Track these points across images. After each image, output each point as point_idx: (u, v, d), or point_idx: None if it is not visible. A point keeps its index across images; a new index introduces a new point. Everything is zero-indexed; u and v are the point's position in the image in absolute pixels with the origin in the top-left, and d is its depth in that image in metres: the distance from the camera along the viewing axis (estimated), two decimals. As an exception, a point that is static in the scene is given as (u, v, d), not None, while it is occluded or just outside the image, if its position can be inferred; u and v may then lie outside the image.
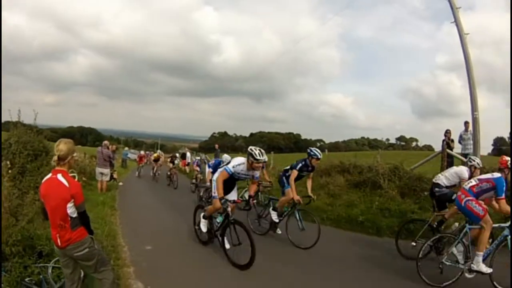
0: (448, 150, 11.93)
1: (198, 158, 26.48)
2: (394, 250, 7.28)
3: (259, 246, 6.18)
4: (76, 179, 3.98)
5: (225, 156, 13.18)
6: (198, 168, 18.09)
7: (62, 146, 3.84)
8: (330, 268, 6.54)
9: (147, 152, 40.84)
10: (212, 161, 13.32)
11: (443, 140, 12.70)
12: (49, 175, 3.88)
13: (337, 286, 5.79)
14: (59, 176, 3.79)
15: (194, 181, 16.98)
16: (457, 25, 10.55)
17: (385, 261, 6.96)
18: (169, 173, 20.21)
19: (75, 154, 4.02)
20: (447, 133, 12.89)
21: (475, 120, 10.42)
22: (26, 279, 4.47)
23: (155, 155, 26.47)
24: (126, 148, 44.98)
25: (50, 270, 4.66)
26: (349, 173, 12.58)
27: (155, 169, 23.33)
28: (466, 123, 12.23)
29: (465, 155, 11.98)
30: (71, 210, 3.78)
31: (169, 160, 23.60)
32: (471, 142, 11.75)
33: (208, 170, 11.75)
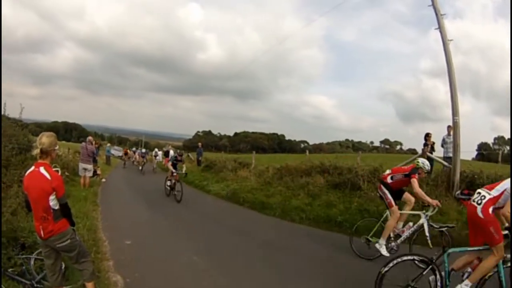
0: (429, 154, 12.15)
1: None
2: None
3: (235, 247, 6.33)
4: (59, 174, 4.07)
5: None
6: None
7: (44, 139, 3.92)
8: (302, 265, 6.65)
9: (133, 149, 43.35)
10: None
11: (424, 144, 12.93)
12: (32, 168, 3.96)
13: (305, 282, 5.89)
14: (41, 169, 3.87)
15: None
16: (440, 32, 10.70)
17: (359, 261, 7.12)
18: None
19: (56, 148, 4.09)
20: (428, 136, 13.13)
21: (455, 124, 10.59)
22: (9, 270, 4.57)
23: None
24: (109, 145, 44.66)
25: (32, 262, 4.78)
26: (329, 174, 12.71)
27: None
28: (449, 127, 12.39)
29: (448, 159, 12.22)
30: (53, 202, 3.87)
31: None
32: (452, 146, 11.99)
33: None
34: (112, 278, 5.45)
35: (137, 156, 34.25)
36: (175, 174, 14.12)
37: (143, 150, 34.92)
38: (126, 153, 37.96)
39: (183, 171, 14.86)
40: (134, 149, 44.66)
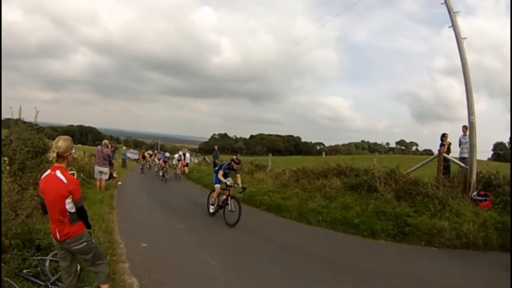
0: (445, 154, 11.96)
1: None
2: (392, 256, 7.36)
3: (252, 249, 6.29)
4: (75, 177, 4.06)
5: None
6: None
7: (61, 143, 3.91)
8: (318, 268, 6.60)
9: (149, 152, 42.10)
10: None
11: (440, 144, 12.74)
12: (48, 171, 3.96)
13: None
14: (58, 173, 3.86)
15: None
16: (454, 30, 10.53)
17: (378, 264, 7.03)
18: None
19: (73, 151, 4.08)
20: (444, 136, 12.94)
21: (471, 124, 10.40)
22: (24, 271, 4.57)
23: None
24: (124, 148, 44.86)
25: (47, 263, 4.77)
26: (345, 176, 12.59)
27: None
28: (464, 127, 12.26)
29: (463, 159, 12.04)
30: (69, 205, 3.86)
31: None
32: (468, 146, 11.79)
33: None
34: (128, 280, 5.45)
35: (157, 160, 29.53)
36: (230, 185, 10.58)
37: (167, 154, 27.33)
38: (143, 157, 34.76)
39: (240, 184, 10.69)
40: (150, 151, 43.62)
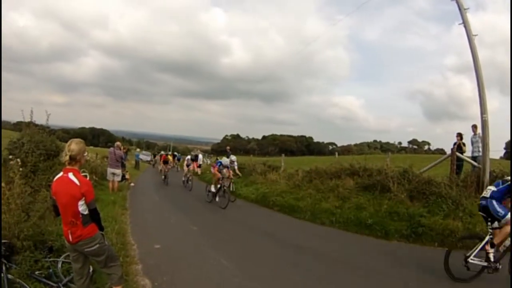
0: (458, 154, 11.83)
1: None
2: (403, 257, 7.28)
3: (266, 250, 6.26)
4: (87, 179, 4.05)
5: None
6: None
7: (73, 146, 3.91)
8: (331, 269, 6.56)
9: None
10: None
11: (454, 143, 12.62)
12: (61, 173, 3.95)
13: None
14: (70, 175, 3.85)
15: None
16: (465, 27, 10.40)
17: (390, 266, 6.95)
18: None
19: (85, 154, 4.08)
20: (458, 136, 12.84)
21: (484, 123, 10.25)
22: (36, 272, 4.57)
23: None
24: (138, 150, 45.09)
25: (60, 265, 4.78)
26: (359, 176, 12.51)
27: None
28: (473, 126, 12.16)
29: (474, 158, 11.92)
30: (82, 207, 3.85)
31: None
32: (480, 145, 11.65)
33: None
34: (141, 282, 5.44)
35: (185, 166, 22.08)
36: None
37: (200, 156, 26.14)
38: (166, 161, 24.10)
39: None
40: (161, 152, 40.33)
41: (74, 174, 3.86)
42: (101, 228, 4.12)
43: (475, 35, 10.50)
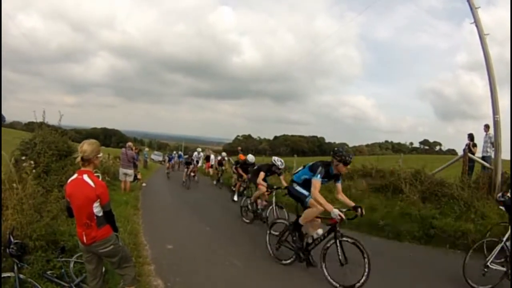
0: (470, 155, 11.75)
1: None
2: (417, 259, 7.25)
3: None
4: (100, 179, 4.07)
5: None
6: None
7: (85, 147, 3.89)
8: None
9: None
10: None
11: (466, 144, 12.55)
12: (75, 175, 3.94)
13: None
14: (85, 177, 3.85)
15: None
16: (476, 26, 10.27)
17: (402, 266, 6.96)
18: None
19: (99, 155, 4.07)
20: (469, 137, 12.77)
21: (496, 123, 10.14)
22: (48, 272, 4.60)
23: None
24: (147, 149, 45.18)
25: (72, 265, 4.82)
26: (371, 177, 12.46)
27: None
28: (486, 126, 12.07)
29: (483, 159, 11.82)
30: (97, 209, 3.86)
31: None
32: (488, 145, 11.59)
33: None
34: (153, 283, 5.46)
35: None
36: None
37: (212, 156, 24.20)
38: (189, 163, 20.67)
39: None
40: (186, 153, 34.28)
41: (88, 176, 3.86)
42: (115, 229, 4.13)
43: (487, 34, 10.38)
